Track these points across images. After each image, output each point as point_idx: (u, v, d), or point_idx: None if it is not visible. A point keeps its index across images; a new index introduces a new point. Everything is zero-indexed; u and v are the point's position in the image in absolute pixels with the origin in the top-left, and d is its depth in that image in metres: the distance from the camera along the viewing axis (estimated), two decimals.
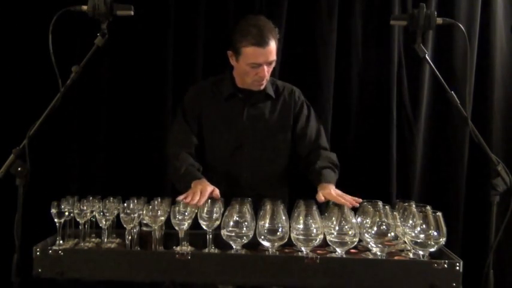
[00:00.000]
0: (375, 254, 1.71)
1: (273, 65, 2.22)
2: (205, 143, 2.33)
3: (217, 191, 1.95)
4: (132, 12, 1.92)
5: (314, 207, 1.75)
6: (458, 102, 1.87)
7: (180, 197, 1.88)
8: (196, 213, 1.83)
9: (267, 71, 2.18)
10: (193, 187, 1.98)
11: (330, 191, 1.98)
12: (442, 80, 1.91)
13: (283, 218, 1.67)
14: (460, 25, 1.98)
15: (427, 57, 1.93)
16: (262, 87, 2.28)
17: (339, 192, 1.98)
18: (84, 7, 1.88)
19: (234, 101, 2.32)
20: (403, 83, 3.11)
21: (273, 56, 2.17)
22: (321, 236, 1.65)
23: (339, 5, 3.06)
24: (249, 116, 2.31)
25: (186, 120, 2.32)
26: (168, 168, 2.31)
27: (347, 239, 1.65)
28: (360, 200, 1.85)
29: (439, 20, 1.89)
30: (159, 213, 1.81)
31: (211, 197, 1.90)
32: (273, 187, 2.20)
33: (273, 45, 2.15)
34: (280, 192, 2.33)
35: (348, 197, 1.89)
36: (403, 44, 3.10)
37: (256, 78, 2.21)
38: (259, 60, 2.15)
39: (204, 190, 1.91)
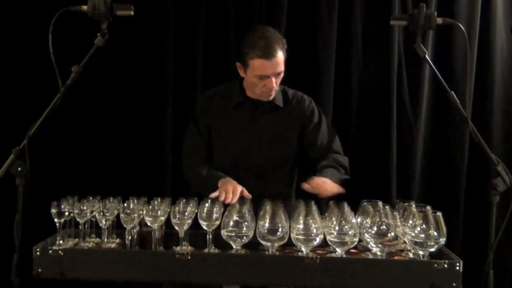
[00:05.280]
0: (375, 254, 1.71)
1: (282, 75, 2.20)
2: (213, 150, 2.34)
3: (246, 191, 2.00)
4: (132, 12, 1.92)
5: (314, 207, 1.76)
6: (458, 102, 1.87)
7: (213, 194, 1.92)
8: (196, 213, 1.83)
9: (275, 82, 2.17)
10: (222, 185, 2.01)
11: (315, 179, 2.02)
12: (442, 80, 1.91)
13: (283, 218, 1.67)
14: (460, 25, 1.98)
15: (427, 57, 1.92)
16: (271, 98, 2.27)
17: (323, 179, 2.03)
18: (84, 7, 1.88)
19: (242, 110, 2.32)
20: (403, 83, 3.11)
21: (281, 67, 2.16)
22: (321, 236, 1.65)
23: (339, 5, 3.06)
24: (256, 126, 2.31)
25: (198, 129, 2.33)
26: (187, 176, 2.36)
27: (347, 239, 1.65)
28: (336, 190, 1.92)
29: (439, 20, 1.89)
30: (159, 213, 1.81)
31: (240, 196, 1.95)
32: (279, 193, 2.18)
33: (280, 56, 2.13)
34: (286, 199, 2.32)
35: (327, 187, 1.97)
36: (403, 44, 3.10)
37: (264, 89, 2.19)
38: (267, 73, 2.14)
39: (235, 189, 1.97)
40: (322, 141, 2.34)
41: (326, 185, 2.04)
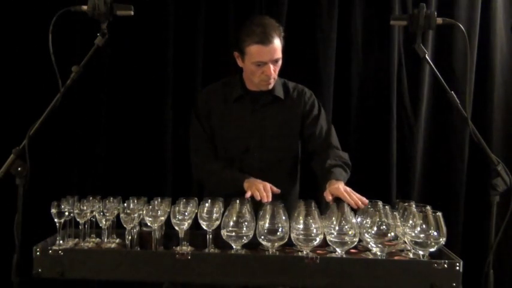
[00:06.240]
0: (375, 254, 1.71)
1: (279, 63, 2.20)
2: (216, 144, 2.34)
3: (274, 187, 2.03)
4: (132, 12, 1.92)
5: (314, 207, 1.75)
6: (458, 102, 1.87)
7: (248, 195, 1.94)
8: (196, 213, 1.83)
9: (273, 69, 2.17)
10: (251, 185, 2.02)
11: (338, 186, 1.96)
12: (442, 80, 1.91)
13: (283, 218, 1.67)
14: (460, 25, 1.98)
15: (427, 57, 1.92)
16: (270, 87, 2.26)
17: (348, 189, 1.95)
18: (84, 7, 1.88)
19: (242, 103, 2.31)
20: (403, 83, 3.11)
21: (278, 54, 2.16)
22: (321, 236, 1.65)
23: (339, 5, 3.06)
24: (257, 119, 2.30)
25: (201, 125, 2.33)
26: (197, 175, 2.38)
27: (347, 239, 1.64)
28: (367, 202, 1.83)
29: (439, 20, 1.89)
30: (159, 213, 1.81)
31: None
32: (283, 189, 2.20)
33: (277, 43, 2.14)
34: (290, 193, 2.34)
35: (355, 196, 1.87)
36: (403, 44, 3.11)
37: (263, 77, 2.19)
38: (264, 59, 2.14)
39: (265, 186, 2.00)
40: (320, 131, 2.32)
41: (351, 195, 1.92)
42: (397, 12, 3.04)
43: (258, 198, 1.93)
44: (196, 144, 2.35)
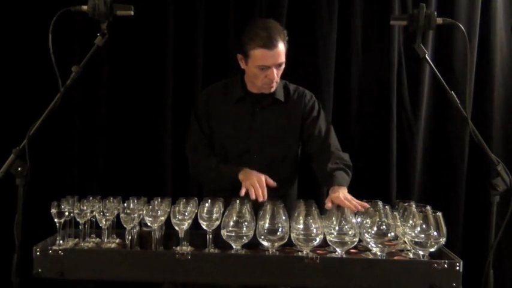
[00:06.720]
0: (375, 254, 1.71)
1: (283, 67, 2.20)
2: (215, 145, 2.34)
3: (269, 179, 2.01)
4: (132, 12, 1.92)
5: (314, 207, 1.75)
6: (459, 102, 1.87)
7: (242, 192, 1.93)
8: (196, 213, 1.83)
9: (276, 73, 2.17)
10: (246, 179, 2.01)
11: (338, 195, 1.94)
12: (442, 80, 1.91)
13: (283, 218, 1.67)
14: (460, 25, 1.98)
15: (427, 57, 1.92)
16: (272, 90, 2.26)
17: (348, 196, 1.93)
18: (84, 7, 1.88)
19: (243, 105, 2.31)
20: (403, 83, 3.11)
21: (282, 58, 2.16)
22: (321, 236, 1.65)
23: (339, 5, 3.06)
24: (257, 121, 2.30)
25: (200, 126, 2.33)
26: (194, 173, 2.38)
27: (347, 239, 1.65)
28: (367, 205, 1.81)
29: (439, 20, 1.89)
30: (159, 213, 1.81)
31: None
32: (282, 190, 2.18)
33: (281, 47, 2.13)
34: (288, 194, 2.34)
35: (355, 202, 1.86)
36: (403, 44, 3.11)
37: (265, 80, 2.19)
38: (268, 63, 2.13)
39: (260, 180, 1.98)
40: (319, 132, 2.31)
41: (350, 202, 1.90)
42: (397, 12, 3.04)
43: (253, 196, 1.91)
44: (193, 142, 2.35)
